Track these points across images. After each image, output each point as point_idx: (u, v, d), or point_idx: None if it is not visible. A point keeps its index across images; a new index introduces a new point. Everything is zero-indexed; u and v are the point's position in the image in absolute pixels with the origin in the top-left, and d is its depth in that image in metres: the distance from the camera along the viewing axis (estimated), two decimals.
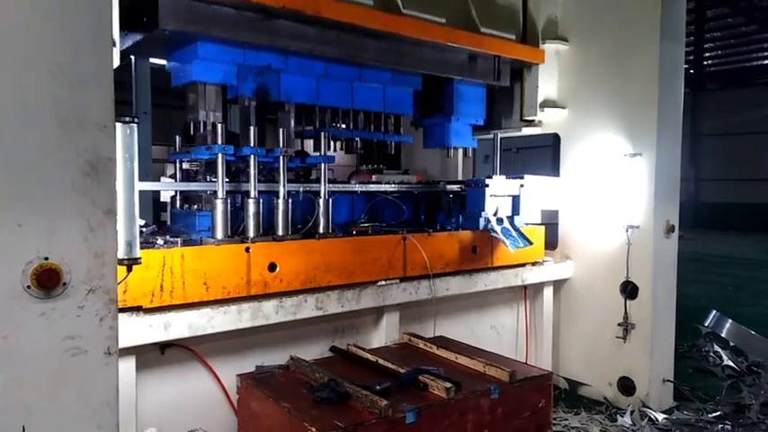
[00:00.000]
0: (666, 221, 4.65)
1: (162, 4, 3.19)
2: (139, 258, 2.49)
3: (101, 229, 1.92)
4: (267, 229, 3.64)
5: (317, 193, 3.86)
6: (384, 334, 4.04)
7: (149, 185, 3.80)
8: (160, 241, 3.24)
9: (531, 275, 4.85)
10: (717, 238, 19.11)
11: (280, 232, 3.60)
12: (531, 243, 4.61)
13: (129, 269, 2.45)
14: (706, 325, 6.39)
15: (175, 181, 4.00)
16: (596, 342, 4.93)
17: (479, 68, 4.74)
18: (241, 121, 4.01)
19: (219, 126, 3.50)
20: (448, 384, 3.08)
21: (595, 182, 4.90)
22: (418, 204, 5.01)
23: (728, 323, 6.30)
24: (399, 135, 4.60)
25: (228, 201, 3.42)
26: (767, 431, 4.23)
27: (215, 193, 3.41)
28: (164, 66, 3.98)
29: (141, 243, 2.68)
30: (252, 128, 3.72)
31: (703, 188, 25.49)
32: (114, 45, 2.10)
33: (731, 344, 6.13)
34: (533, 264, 4.90)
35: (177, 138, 4.17)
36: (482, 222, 4.58)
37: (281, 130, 3.81)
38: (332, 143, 4.30)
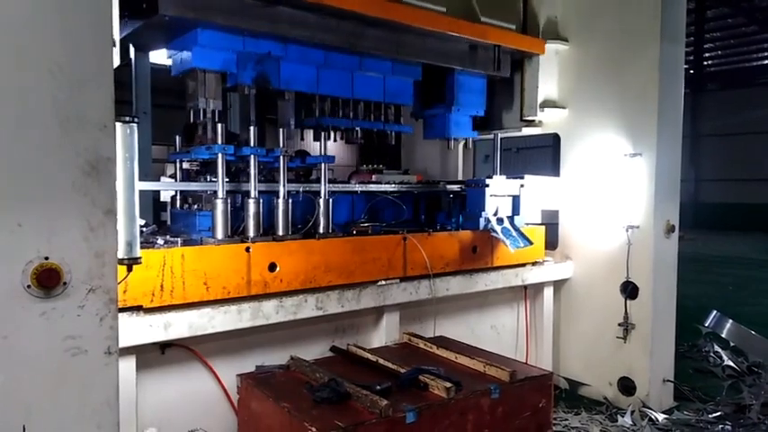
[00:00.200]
0: (667, 222, 4.65)
1: None
2: (140, 258, 2.49)
3: (101, 229, 1.91)
4: (267, 229, 3.64)
5: (317, 193, 3.85)
6: (384, 334, 4.04)
7: (149, 185, 3.80)
8: (160, 241, 3.24)
9: (531, 275, 4.85)
10: (717, 239, 19.12)
11: (280, 232, 3.60)
12: (531, 243, 4.61)
13: (130, 269, 2.45)
14: (706, 325, 6.39)
15: (175, 181, 4.00)
16: (596, 342, 4.93)
17: (480, 58, 4.73)
18: (241, 115, 4.00)
19: (219, 126, 3.50)
20: (448, 384, 3.08)
21: (595, 182, 4.90)
22: (418, 204, 5.01)
23: (729, 323, 6.30)
24: (400, 125, 4.59)
25: (229, 201, 3.42)
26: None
27: (215, 192, 3.41)
28: (164, 66, 3.98)
29: (141, 243, 2.68)
30: (252, 127, 3.72)
31: (703, 188, 25.50)
32: (114, 45, 2.10)
33: (731, 344, 6.13)
34: (533, 264, 4.90)
35: (177, 138, 4.17)
36: (482, 222, 4.58)
37: (281, 129, 3.81)
38: (332, 134, 4.27)
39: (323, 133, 4.08)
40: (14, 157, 1.78)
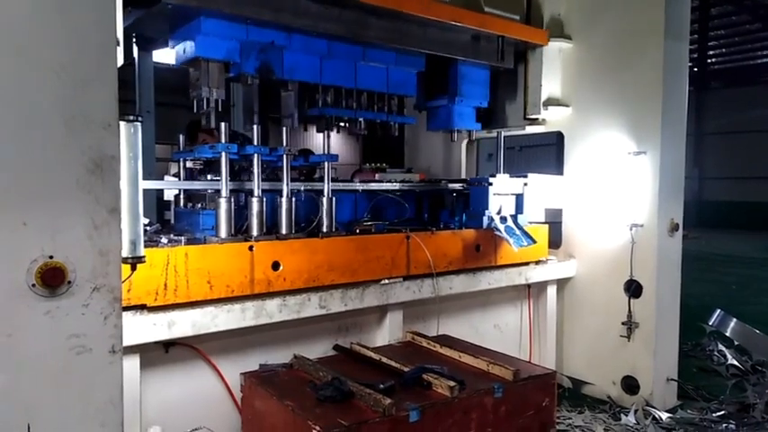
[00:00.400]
0: (670, 220, 4.63)
1: None
2: (143, 257, 2.49)
3: (105, 228, 1.92)
4: (270, 228, 3.64)
5: (321, 192, 3.85)
6: (387, 332, 4.04)
7: (153, 184, 3.81)
8: (164, 240, 3.24)
9: (534, 274, 4.84)
10: (721, 237, 19.06)
11: (283, 231, 3.60)
12: (534, 242, 4.60)
13: (134, 268, 2.46)
14: (710, 324, 6.38)
15: (179, 180, 4.00)
16: (600, 341, 4.92)
17: (483, 49, 4.72)
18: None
19: (223, 125, 3.50)
20: (451, 383, 3.08)
21: (599, 180, 4.89)
22: (421, 203, 5.01)
23: (733, 322, 6.29)
24: (403, 116, 4.58)
25: (232, 199, 3.42)
26: None
27: (218, 191, 3.41)
28: (167, 65, 3.98)
29: (145, 242, 2.68)
30: (255, 126, 3.72)
31: (707, 187, 25.42)
32: (118, 44, 2.10)
33: (735, 343, 6.11)
34: (537, 262, 4.89)
35: (180, 136, 4.18)
36: (486, 221, 4.58)
37: (284, 128, 3.81)
38: (335, 126, 4.25)
39: (325, 122, 4.06)
40: (19, 156, 1.78)
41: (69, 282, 1.85)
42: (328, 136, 4.02)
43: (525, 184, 4.84)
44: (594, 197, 4.94)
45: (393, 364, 3.40)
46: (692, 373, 5.45)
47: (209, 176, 3.86)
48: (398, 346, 3.97)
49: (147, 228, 3.52)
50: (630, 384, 4.74)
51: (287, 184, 3.63)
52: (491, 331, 4.83)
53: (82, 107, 1.87)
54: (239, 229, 3.56)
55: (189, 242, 3.25)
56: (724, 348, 5.91)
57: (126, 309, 2.75)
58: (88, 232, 1.89)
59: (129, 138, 2.35)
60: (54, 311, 1.84)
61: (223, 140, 3.45)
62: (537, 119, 5.23)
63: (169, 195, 4.20)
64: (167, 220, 4.37)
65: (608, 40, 4.85)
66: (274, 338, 3.58)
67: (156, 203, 5.39)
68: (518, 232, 4.58)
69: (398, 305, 4.04)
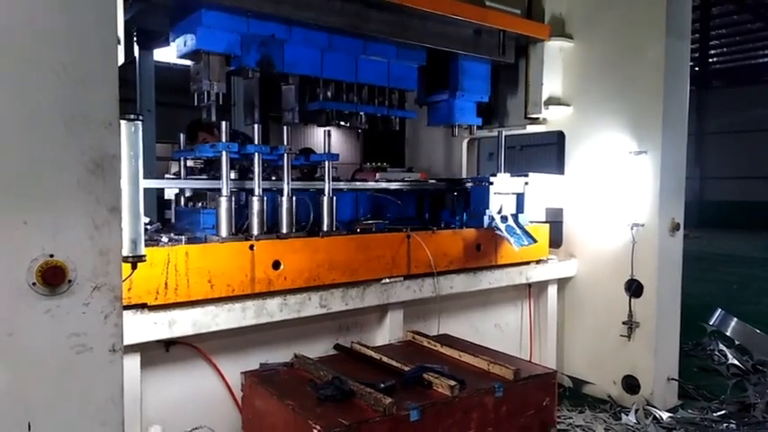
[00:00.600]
0: (671, 220, 4.63)
1: None
2: (144, 256, 2.49)
3: (106, 227, 1.92)
4: (271, 227, 3.64)
5: (321, 191, 3.85)
6: (388, 332, 4.04)
7: (154, 183, 3.80)
8: (165, 239, 3.24)
9: (535, 273, 4.84)
10: (722, 237, 19.05)
11: (284, 230, 3.60)
12: (535, 241, 4.60)
13: (134, 267, 2.46)
14: (711, 323, 6.37)
15: (180, 179, 4.00)
16: (601, 340, 4.92)
17: (484, 43, 4.71)
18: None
19: (224, 123, 3.50)
20: (452, 382, 3.08)
21: (600, 180, 4.89)
22: (422, 202, 5.01)
23: (733, 321, 6.28)
24: (404, 110, 4.57)
25: (233, 198, 3.42)
26: None
27: (219, 190, 3.41)
28: (168, 64, 3.99)
29: (146, 241, 2.68)
30: (256, 125, 3.72)
31: (708, 186, 25.40)
32: (119, 43, 2.10)
33: (736, 342, 6.11)
34: (537, 262, 4.89)
35: (181, 135, 4.18)
36: (486, 220, 4.57)
37: (285, 127, 3.81)
38: (335, 120, 4.25)
39: (325, 116, 4.05)
40: (20, 155, 1.78)
41: (70, 281, 1.86)
42: (329, 134, 4.02)
43: (526, 184, 4.83)
44: (595, 197, 4.93)
45: (393, 363, 3.40)
46: (692, 373, 5.44)
47: (210, 175, 3.85)
48: (399, 346, 3.97)
49: (148, 227, 3.52)
50: (631, 384, 4.74)
51: (288, 184, 3.63)
52: (492, 331, 4.83)
53: (82, 106, 1.87)
54: (240, 229, 3.56)
55: (189, 241, 3.25)
56: (725, 348, 5.91)
57: (126, 308, 2.75)
58: (89, 231, 1.89)
59: (129, 137, 2.35)
60: (54, 310, 1.84)
61: (224, 139, 3.45)
62: (538, 118, 5.23)
63: (170, 194, 4.20)
64: (168, 220, 4.37)
65: (609, 39, 4.84)
66: (275, 338, 3.58)
67: (156, 203, 5.40)
68: (519, 231, 4.57)
69: (399, 304, 4.04)
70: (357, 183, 4.49)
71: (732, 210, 23.99)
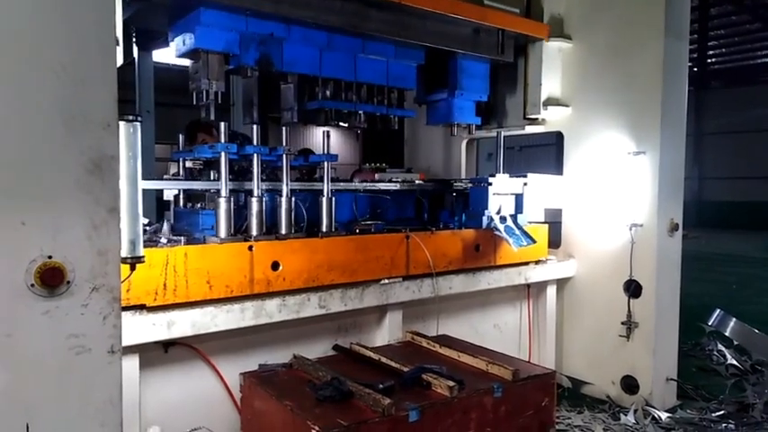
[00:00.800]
0: (670, 220, 4.64)
1: None
2: (143, 257, 2.49)
3: (104, 228, 1.92)
4: (270, 228, 3.63)
5: (320, 192, 3.85)
6: (387, 332, 4.04)
7: (153, 184, 3.80)
8: (163, 240, 3.24)
9: (534, 274, 4.84)
10: (720, 237, 19.07)
11: (283, 231, 3.60)
12: (534, 241, 4.60)
13: (133, 267, 2.45)
14: (710, 323, 6.37)
15: (178, 179, 4.00)
16: (599, 341, 4.92)
17: (483, 42, 4.71)
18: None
19: (222, 124, 3.50)
20: (451, 383, 3.08)
21: (599, 180, 4.89)
22: (421, 203, 5.00)
23: (732, 322, 6.28)
24: (403, 109, 4.57)
25: (231, 199, 3.42)
26: None
27: (218, 191, 3.41)
28: (167, 65, 3.98)
29: (144, 241, 2.68)
30: (255, 126, 3.72)
31: (707, 186, 25.43)
32: (117, 43, 2.10)
33: (735, 342, 6.11)
34: (536, 262, 4.89)
35: (180, 136, 4.17)
36: (485, 221, 4.58)
37: (284, 128, 3.81)
38: (334, 119, 4.24)
39: (324, 115, 4.05)
40: (18, 155, 1.78)
41: (68, 282, 1.85)
42: (328, 134, 4.02)
43: (525, 184, 4.83)
44: (594, 197, 4.94)
45: (392, 364, 3.40)
46: (691, 373, 5.44)
47: (209, 176, 3.85)
48: (398, 346, 3.97)
49: (147, 228, 3.52)
50: (630, 384, 4.74)
51: (287, 184, 3.63)
52: (490, 331, 4.83)
53: (81, 107, 1.87)
54: (239, 229, 3.56)
55: (188, 242, 3.25)
56: (723, 348, 5.91)
57: (125, 309, 2.75)
58: (87, 232, 1.89)
59: (128, 138, 2.35)
60: (53, 311, 1.84)
61: (222, 140, 3.45)
62: (537, 119, 5.23)
63: (169, 195, 4.20)
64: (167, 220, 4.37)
65: (608, 40, 4.85)
66: (274, 338, 3.58)
67: (155, 203, 5.40)
68: (517, 232, 4.58)
69: (398, 305, 4.04)
70: (356, 183, 4.49)
71: (731, 210, 24.02)
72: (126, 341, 2.33)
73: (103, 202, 1.91)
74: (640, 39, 4.60)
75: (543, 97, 5.09)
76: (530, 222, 4.81)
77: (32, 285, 1.80)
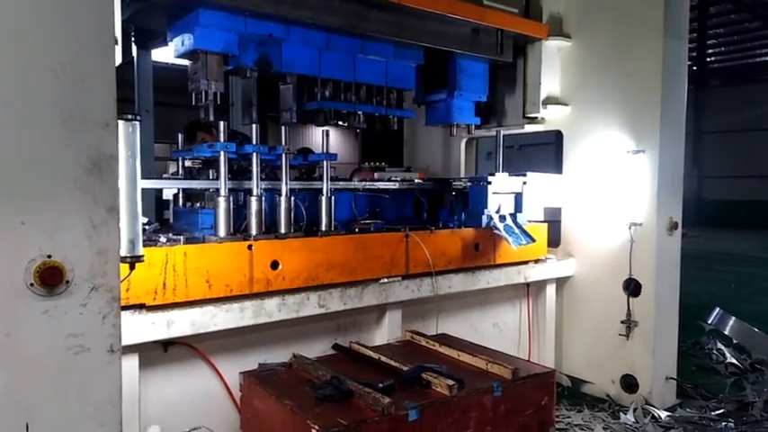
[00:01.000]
0: (669, 219, 4.64)
1: None
2: (142, 256, 2.49)
3: (103, 227, 1.92)
4: (270, 227, 3.64)
5: (320, 191, 3.85)
6: (386, 331, 4.04)
7: (152, 183, 3.80)
8: (163, 239, 3.24)
9: (533, 273, 4.84)
10: (720, 236, 19.07)
11: (282, 230, 3.59)
12: (533, 240, 4.60)
13: (132, 267, 2.45)
14: (709, 322, 6.39)
15: (178, 178, 4.00)
16: (599, 339, 4.93)
17: (482, 42, 4.71)
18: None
19: (222, 123, 3.49)
20: (450, 382, 3.08)
21: (598, 179, 4.89)
22: (420, 202, 5.00)
23: (732, 320, 6.30)
24: (402, 110, 4.57)
25: (231, 198, 3.42)
26: None
27: (217, 190, 3.41)
28: (166, 64, 3.98)
29: (144, 241, 2.68)
30: (254, 125, 3.71)
31: (706, 185, 25.43)
32: (116, 43, 2.10)
33: (734, 341, 6.12)
34: (536, 261, 4.89)
35: (179, 135, 4.17)
36: (485, 220, 4.58)
37: (282, 127, 3.80)
38: (334, 119, 4.24)
39: (323, 116, 4.04)
40: (17, 155, 1.78)
41: (68, 281, 1.85)
42: (327, 134, 4.02)
43: (524, 183, 4.83)
44: (593, 196, 4.94)
45: (392, 363, 3.40)
46: (691, 372, 5.45)
47: (208, 175, 3.85)
48: (397, 345, 3.96)
49: (146, 227, 3.52)
50: (629, 383, 4.74)
51: (286, 183, 3.63)
52: (490, 330, 4.83)
53: (80, 106, 1.87)
54: (238, 229, 3.56)
55: (188, 241, 3.25)
56: (723, 347, 5.92)
57: (125, 308, 2.75)
58: (86, 231, 1.89)
59: (127, 137, 2.34)
60: (52, 311, 1.84)
61: (222, 139, 3.45)
62: (536, 118, 5.23)
63: (168, 194, 4.19)
64: (166, 220, 4.37)
65: (607, 39, 4.85)
66: (273, 338, 3.58)
67: (155, 203, 5.39)
68: (517, 231, 4.58)
69: (397, 304, 4.04)
70: (355, 182, 4.49)
71: (730, 208, 24.02)
72: (125, 340, 2.33)
73: (103, 202, 1.91)
74: (640, 37, 4.60)
75: (542, 96, 5.09)
76: (529, 221, 4.82)
77: (32, 285, 1.80)
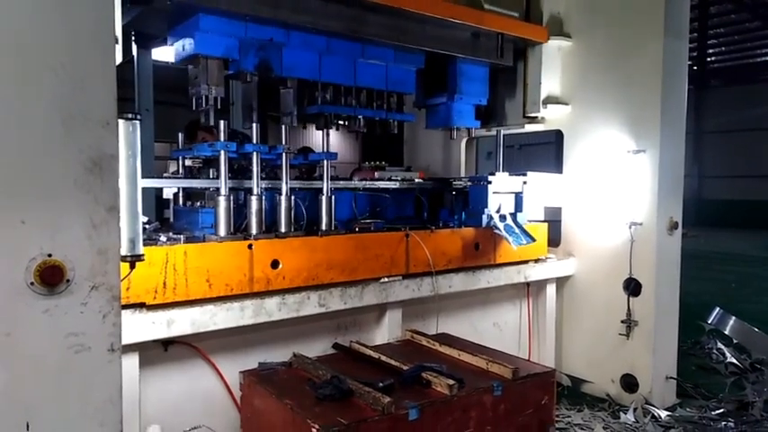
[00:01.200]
0: (670, 218, 4.63)
1: None
2: (142, 255, 2.49)
3: (104, 226, 1.92)
4: (270, 227, 3.64)
5: (320, 190, 3.85)
6: (387, 331, 4.04)
7: (152, 182, 3.80)
8: (163, 238, 3.24)
9: (533, 272, 4.84)
10: (720, 235, 19.07)
11: (282, 229, 3.60)
12: (533, 240, 4.60)
13: (132, 266, 2.45)
14: (709, 322, 6.39)
15: (178, 177, 4.00)
16: (599, 339, 4.93)
17: (482, 46, 4.72)
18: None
19: (222, 123, 3.49)
20: (451, 381, 3.08)
21: (598, 179, 4.89)
22: (421, 201, 5.01)
23: (732, 320, 6.30)
24: (402, 114, 4.57)
25: (231, 198, 3.42)
26: None
27: (218, 190, 3.41)
28: (166, 63, 3.98)
29: (144, 240, 2.67)
30: (254, 124, 3.71)
31: (706, 185, 25.43)
32: (117, 42, 2.10)
33: (734, 341, 6.12)
34: (536, 261, 4.89)
35: (180, 135, 4.17)
36: (485, 219, 4.58)
37: (283, 126, 3.80)
38: (334, 123, 4.24)
39: (324, 120, 4.05)
40: (17, 154, 1.78)
41: (68, 280, 1.85)
42: (328, 134, 4.02)
43: (524, 183, 4.83)
44: (594, 195, 4.94)
45: (392, 362, 3.40)
46: (691, 372, 5.45)
47: (208, 174, 3.85)
48: (398, 345, 3.97)
49: (146, 226, 3.52)
50: (629, 382, 4.75)
51: (286, 183, 3.63)
52: (490, 330, 4.83)
53: (80, 105, 1.86)
54: (238, 228, 3.56)
55: (188, 240, 3.25)
56: (723, 346, 5.92)
57: (125, 307, 2.74)
58: (87, 231, 1.89)
59: (127, 136, 2.34)
60: (53, 310, 1.84)
61: (222, 139, 3.44)
62: (536, 117, 5.23)
63: (168, 194, 4.19)
64: (166, 219, 4.37)
65: (607, 39, 4.84)
66: (273, 337, 3.58)
67: (155, 202, 5.39)
68: (517, 231, 4.58)
69: (398, 303, 4.04)
70: (356, 182, 4.49)
71: (730, 208, 24.02)
72: (126, 340, 2.33)
73: (103, 201, 1.91)
74: (640, 37, 4.60)
75: (543, 96, 5.09)
76: (529, 221, 4.82)
77: (32, 284, 1.80)
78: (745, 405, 4.57)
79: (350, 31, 3.95)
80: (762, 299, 9.25)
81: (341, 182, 4.36)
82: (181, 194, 4.04)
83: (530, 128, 5.41)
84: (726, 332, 6.23)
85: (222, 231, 3.36)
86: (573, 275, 5.13)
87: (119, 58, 2.30)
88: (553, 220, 5.19)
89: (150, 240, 3.16)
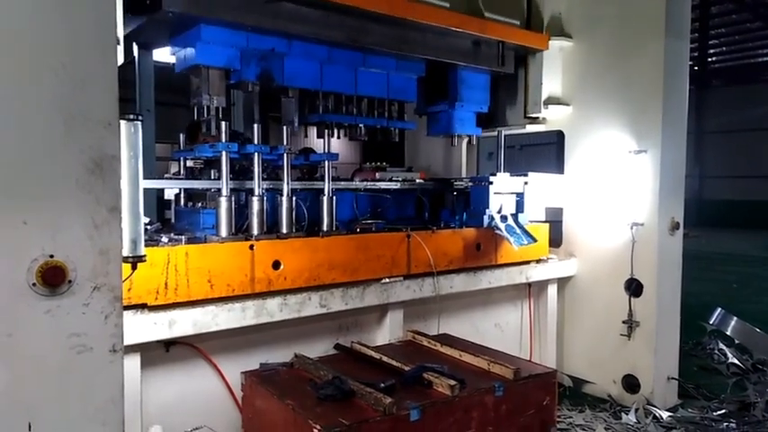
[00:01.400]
0: (671, 219, 4.63)
1: None
2: (144, 256, 2.49)
3: (105, 227, 1.92)
4: (271, 227, 3.64)
5: (321, 191, 3.85)
6: (388, 331, 4.04)
7: (154, 183, 3.80)
8: (165, 239, 3.24)
9: (535, 273, 4.84)
10: (721, 236, 19.05)
11: (284, 230, 3.60)
12: (535, 240, 4.60)
13: (134, 267, 2.46)
14: (711, 322, 6.38)
15: (179, 178, 4.00)
16: (601, 340, 4.92)
17: (483, 54, 4.72)
18: (245, 112, 3.98)
19: (223, 124, 3.50)
20: (452, 382, 3.08)
21: (600, 179, 4.89)
22: (422, 202, 5.00)
23: (733, 321, 6.29)
24: (403, 122, 4.58)
25: (233, 198, 3.42)
26: None
27: (219, 190, 3.41)
28: (167, 64, 3.98)
29: (146, 241, 2.68)
30: (255, 125, 3.71)
31: (708, 185, 25.40)
32: (118, 43, 2.10)
33: (736, 341, 6.11)
34: (537, 261, 4.89)
35: (181, 135, 4.17)
36: (486, 220, 4.57)
37: (284, 127, 3.80)
38: (335, 130, 4.26)
39: (326, 130, 4.06)
40: (19, 155, 1.78)
41: (70, 281, 1.85)
42: (329, 141, 4.02)
43: (526, 183, 4.83)
44: (595, 196, 4.93)
45: (394, 363, 3.40)
46: (692, 372, 5.45)
47: (210, 175, 3.85)
48: (399, 345, 3.97)
49: (148, 227, 3.52)
50: (631, 383, 4.74)
51: (287, 183, 3.63)
52: (492, 330, 4.83)
53: (82, 106, 1.87)
54: (240, 228, 3.56)
55: (189, 241, 3.25)
56: (725, 347, 5.92)
57: (126, 308, 2.75)
58: (89, 231, 1.89)
59: (129, 137, 2.35)
60: (54, 310, 1.84)
61: (224, 139, 3.45)
62: (537, 118, 5.23)
63: (170, 194, 4.19)
64: (168, 219, 4.37)
65: (608, 39, 4.85)
66: (275, 337, 3.58)
67: (156, 203, 5.40)
68: (518, 231, 4.57)
69: (399, 304, 4.04)
70: (357, 182, 4.49)
71: (731, 209, 24.00)
72: (127, 340, 2.33)
73: (104, 202, 1.91)
74: (641, 38, 4.60)
75: (544, 96, 5.09)
76: (531, 221, 4.81)
77: (34, 284, 1.80)
78: (746, 406, 4.56)
79: (351, 40, 3.96)
80: (763, 299, 9.24)
81: (342, 182, 4.36)
82: (182, 195, 4.04)
83: (531, 128, 5.40)
84: (727, 333, 6.22)
85: (224, 232, 3.36)
86: (574, 276, 5.12)
87: (120, 59, 2.30)
88: (554, 221, 5.19)
89: (152, 241, 3.16)
